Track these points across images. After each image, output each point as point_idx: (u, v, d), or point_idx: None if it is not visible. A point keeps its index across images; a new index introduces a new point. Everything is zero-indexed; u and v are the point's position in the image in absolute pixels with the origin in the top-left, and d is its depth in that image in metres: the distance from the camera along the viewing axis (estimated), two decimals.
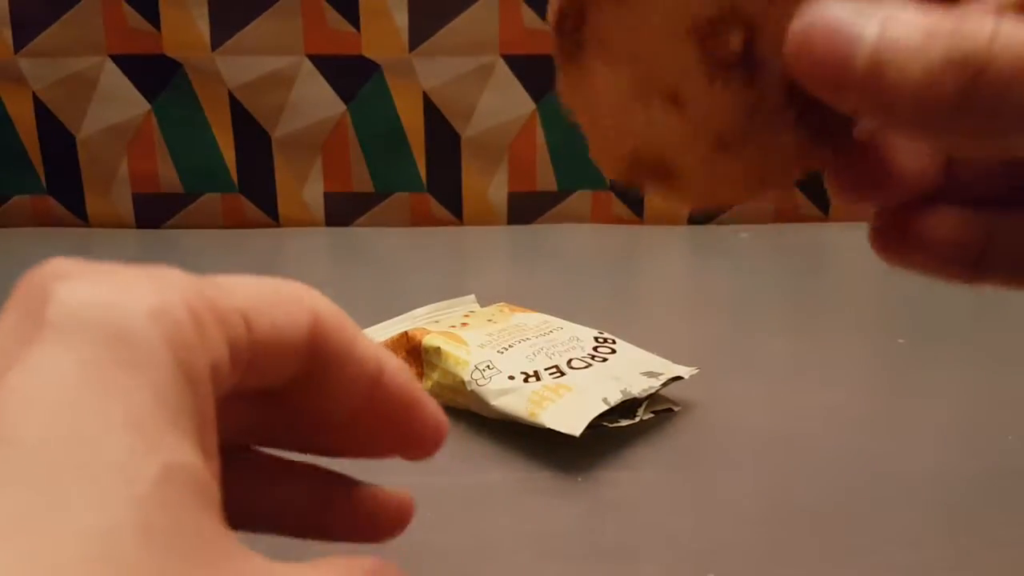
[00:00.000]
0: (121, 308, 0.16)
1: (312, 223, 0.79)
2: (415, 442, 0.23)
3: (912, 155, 0.21)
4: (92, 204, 0.78)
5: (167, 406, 0.16)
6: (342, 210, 0.79)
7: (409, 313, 0.50)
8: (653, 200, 0.79)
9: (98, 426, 0.15)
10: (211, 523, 0.16)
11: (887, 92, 0.17)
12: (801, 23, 0.18)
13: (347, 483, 0.23)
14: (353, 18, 0.74)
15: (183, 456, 0.16)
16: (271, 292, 0.19)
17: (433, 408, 0.23)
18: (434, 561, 0.34)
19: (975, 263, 0.22)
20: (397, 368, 0.22)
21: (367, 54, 0.75)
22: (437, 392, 0.45)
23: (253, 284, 0.19)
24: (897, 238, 0.22)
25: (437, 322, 0.49)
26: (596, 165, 0.21)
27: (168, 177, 0.77)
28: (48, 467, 0.15)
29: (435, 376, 0.45)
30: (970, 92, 0.16)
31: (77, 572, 0.14)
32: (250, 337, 0.18)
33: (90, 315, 0.16)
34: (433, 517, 0.37)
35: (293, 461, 0.23)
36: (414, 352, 0.46)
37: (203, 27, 0.74)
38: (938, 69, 0.17)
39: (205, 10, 0.73)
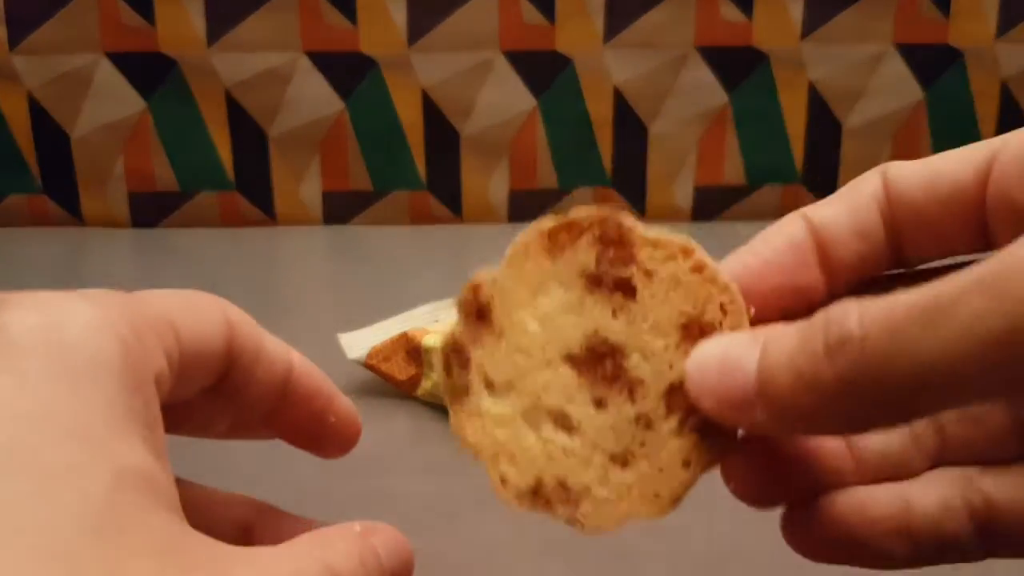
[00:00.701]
0: (67, 326, 0.17)
1: (310, 221, 0.78)
2: (328, 439, 0.24)
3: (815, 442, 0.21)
4: (87, 203, 0.78)
5: (118, 412, 0.17)
6: (340, 208, 0.78)
7: (408, 312, 0.50)
8: (654, 197, 0.78)
9: (45, 436, 0.16)
10: (167, 519, 0.16)
11: (780, 400, 0.18)
12: (692, 364, 0.20)
13: (273, 515, 0.24)
14: (350, 13, 0.74)
15: (135, 459, 0.16)
16: (189, 302, 0.21)
17: (346, 405, 0.24)
18: (434, 561, 0.33)
19: (909, 541, 0.21)
20: (307, 368, 0.23)
21: (365, 50, 0.75)
22: (437, 392, 0.45)
23: (172, 296, 0.21)
24: (812, 529, 0.21)
25: (437, 321, 0.49)
26: (500, 500, 0.22)
27: (164, 175, 0.77)
28: None
29: (435, 376, 0.44)
30: (852, 370, 0.17)
31: (21, 566, 0.14)
32: (180, 347, 0.19)
33: (38, 337, 0.17)
34: (433, 517, 0.36)
35: (214, 490, 0.23)
36: (413, 352, 0.45)
37: (199, 23, 0.73)
38: (820, 360, 0.17)
39: (200, 6, 0.73)
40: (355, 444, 0.24)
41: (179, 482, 0.22)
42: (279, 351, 0.22)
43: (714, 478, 0.39)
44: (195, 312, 0.20)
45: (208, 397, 0.21)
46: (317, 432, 0.23)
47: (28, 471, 0.15)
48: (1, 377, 0.16)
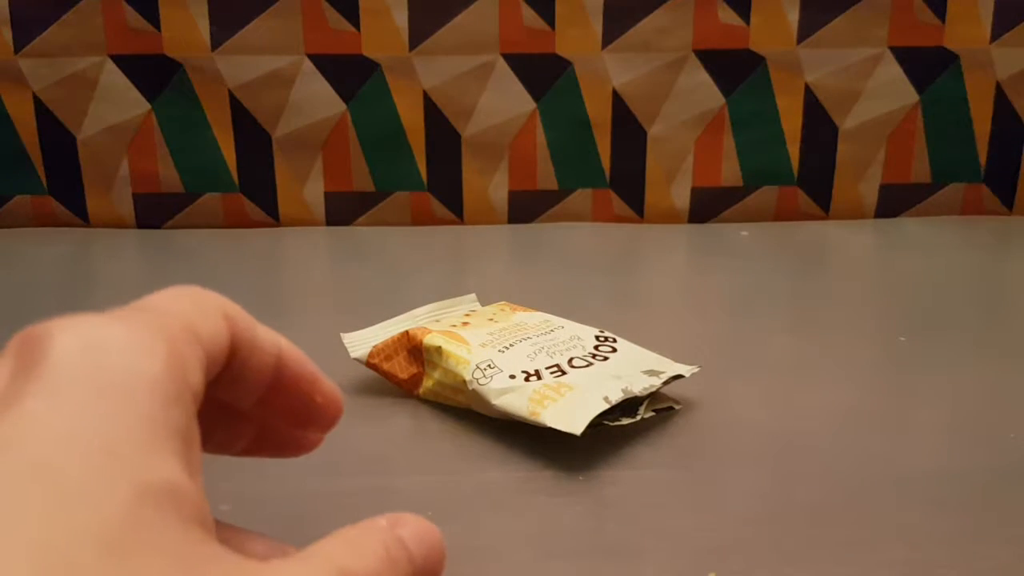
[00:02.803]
0: (107, 348, 0.18)
1: (313, 222, 0.79)
2: (315, 419, 0.24)
3: None
4: (93, 204, 0.78)
5: (153, 428, 0.17)
6: (343, 209, 0.79)
7: (410, 312, 0.50)
8: (652, 198, 0.79)
9: (72, 455, 0.16)
10: (186, 535, 0.17)
11: None
12: None
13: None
14: (353, 17, 0.74)
15: (162, 474, 0.17)
16: (198, 304, 0.21)
17: (330, 385, 0.24)
18: None
19: None
20: (294, 353, 0.23)
21: (367, 53, 0.75)
22: (438, 391, 0.45)
23: (182, 299, 0.21)
24: None
25: (438, 321, 0.49)
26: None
27: (169, 177, 0.77)
28: (9, 496, 0.15)
29: (436, 375, 0.45)
30: None
31: None
32: (206, 354, 0.20)
33: (77, 360, 0.18)
34: (434, 517, 0.37)
35: (234, 527, 0.23)
36: (415, 351, 0.46)
37: (203, 27, 0.74)
38: None
39: (205, 10, 0.73)
40: (337, 422, 0.25)
41: None
42: (269, 339, 0.23)
43: (714, 478, 0.39)
44: (206, 314, 0.21)
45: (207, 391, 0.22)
46: (304, 413, 0.24)
47: (49, 491, 0.16)
48: (38, 400, 0.17)
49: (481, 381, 0.43)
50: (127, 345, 0.18)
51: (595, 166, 0.78)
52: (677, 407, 0.44)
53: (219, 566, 0.17)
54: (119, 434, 0.17)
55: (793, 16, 0.75)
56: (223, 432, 0.24)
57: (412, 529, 0.21)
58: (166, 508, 0.16)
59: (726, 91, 0.77)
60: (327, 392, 0.24)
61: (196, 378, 0.19)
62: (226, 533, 0.22)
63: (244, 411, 0.24)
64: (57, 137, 0.76)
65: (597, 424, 0.40)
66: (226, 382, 0.22)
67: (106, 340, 0.18)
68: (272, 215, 0.79)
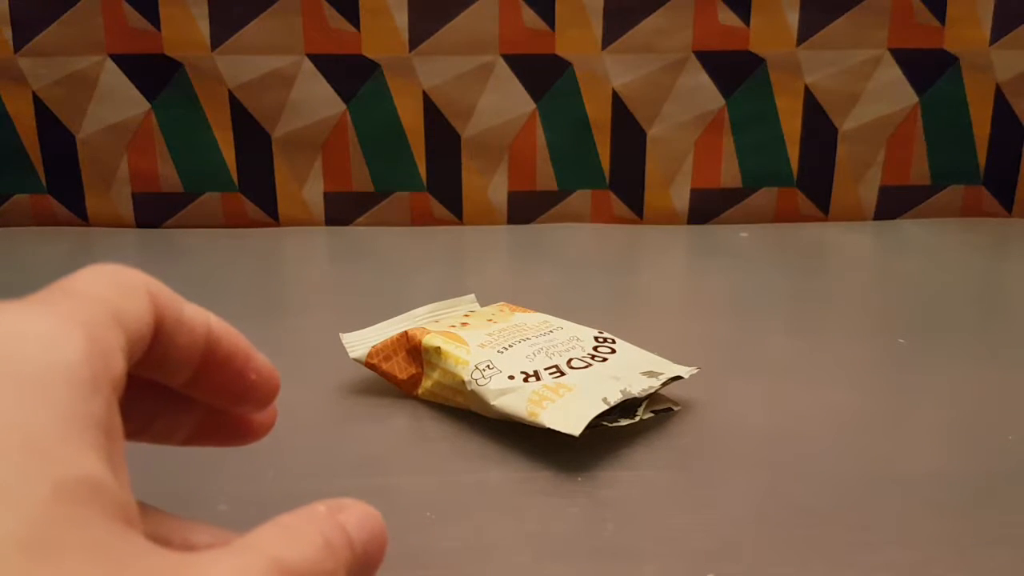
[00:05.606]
0: (24, 337, 0.17)
1: (312, 223, 0.79)
2: (250, 397, 0.24)
3: None
4: (92, 204, 0.78)
5: (71, 420, 0.17)
6: (342, 210, 0.79)
7: (409, 312, 0.50)
8: (651, 200, 0.79)
9: None
10: (109, 530, 0.16)
11: None
12: None
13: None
14: (353, 17, 0.74)
15: (82, 469, 0.16)
16: (121, 285, 0.20)
17: (264, 362, 0.24)
18: (434, 561, 0.34)
19: None
20: (224, 329, 0.23)
21: (367, 53, 0.75)
22: (437, 392, 0.45)
23: (104, 281, 0.20)
24: None
25: (437, 322, 0.49)
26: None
27: (168, 176, 0.77)
28: None
29: (435, 376, 0.45)
30: None
31: None
32: (128, 338, 0.19)
33: None
34: (433, 517, 0.37)
35: (175, 517, 0.23)
36: (414, 352, 0.46)
37: (203, 27, 0.74)
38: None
39: (205, 10, 0.73)
40: (275, 398, 0.24)
41: (141, 508, 0.21)
42: (197, 316, 0.22)
43: (713, 479, 0.39)
44: (129, 295, 0.20)
45: (133, 372, 0.21)
46: (239, 391, 0.24)
47: None
48: None
49: (480, 382, 0.43)
50: (44, 333, 0.17)
51: (595, 167, 0.78)
52: (676, 408, 0.44)
53: (144, 561, 0.16)
54: (36, 428, 0.16)
55: (793, 18, 0.75)
56: (163, 420, 0.24)
57: (353, 515, 0.21)
58: (87, 504, 0.16)
59: (726, 92, 0.77)
60: (261, 368, 0.24)
61: (117, 365, 0.18)
62: (166, 524, 0.22)
63: (184, 397, 0.23)
64: (57, 136, 0.76)
65: (596, 425, 0.40)
66: (153, 361, 0.21)
67: (22, 328, 0.17)
68: (272, 215, 0.79)
